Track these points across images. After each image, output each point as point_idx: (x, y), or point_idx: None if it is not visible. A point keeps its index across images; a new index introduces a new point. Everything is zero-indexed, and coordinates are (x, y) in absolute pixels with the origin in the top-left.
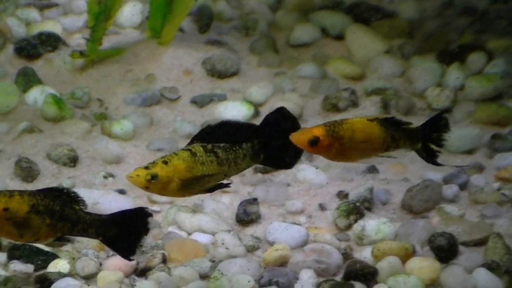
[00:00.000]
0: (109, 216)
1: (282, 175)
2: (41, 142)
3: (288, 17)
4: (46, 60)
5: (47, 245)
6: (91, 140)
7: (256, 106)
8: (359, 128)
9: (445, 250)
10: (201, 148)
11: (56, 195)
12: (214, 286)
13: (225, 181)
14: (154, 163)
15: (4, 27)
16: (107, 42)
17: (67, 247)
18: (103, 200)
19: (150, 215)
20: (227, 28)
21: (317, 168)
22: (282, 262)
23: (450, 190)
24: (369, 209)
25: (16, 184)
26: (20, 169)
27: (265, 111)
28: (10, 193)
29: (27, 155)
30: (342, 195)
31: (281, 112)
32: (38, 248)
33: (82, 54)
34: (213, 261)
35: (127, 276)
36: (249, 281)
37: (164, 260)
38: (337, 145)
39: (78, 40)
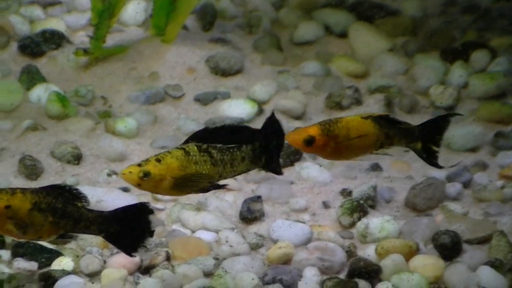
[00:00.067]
0: (111, 213)
1: (285, 173)
2: (45, 140)
3: (291, 15)
4: (49, 58)
5: (51, 242)
6: (95, 137)
7: (260, 104)
8: (353, 126)
9: (448, 248)
10: (195, 148)
11: (59, 192)
12: (218, 283)
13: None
14: (147, 160)
15: (8, 25)
16: (111, 40)
17: (71, 244)
18: (106, 197)
19: (151, 210)
20: (231, 26)
21: (320, 166)
22: (286, 260)
23: (453, 188)
24: (372, 207)
25: (20, 182)
26: (24, 167)
27: (269, 109)
28: (12, 191)
29: (31, 153)
30: (346, 193)
31: (272, 122)
32: (42, 246)
33: (86, 52)
34: (217, 259)
35: (131, 273)
36: (253, 279)
37: (168, 258)
38: (332, 144)
39: (81, 38)
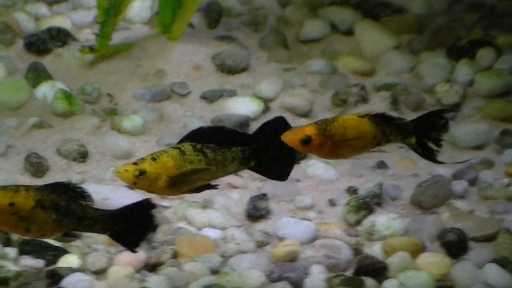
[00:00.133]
0: (116, 211)
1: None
2: (51, 138)
3: (297, 12)
4: (55, 55)
5: (57, 240)
6: (101, 135)
7: (266, 101)
8: (350, 125)
9: (455, 246)
10: (190, 147)
11: (63, 190)
12: (225, 281)
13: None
14: (142, 159)
15: (13, 22)
16: (117, 37)
17: (77, 242)
18: (112, 195)
19: (155, 206)
20: (237, 23)
21: (326, 163)
22: (292, 258)
23: (459, 186)
24: (378, 204)
25: (26, 180)
26: (30, 165)
27: (275, 106)
28: (16, 188)
29: (37, 150)
30: (352, 190)
31: (279, 122)
32: (48, 243)
33: (91, 49)
34: (223, 257)
35: (138, 271)
36: (259, 277)
37: (175, 256)
38: (329, 143)
39: (87, 35)
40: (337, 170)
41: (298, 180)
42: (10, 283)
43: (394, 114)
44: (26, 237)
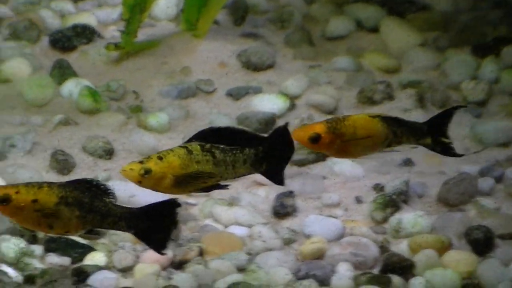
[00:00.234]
0: (140, 209)
1: (318, 168)
2: (77, 135)
3: (323, 9)
4: (81, 52)
5: (83, 238)
6: (127, 132)
7: (292, 99)
8: (361, 124)
9: (481, 243)
10: (198, 147)
11: (86, 187)
12: (251, 279)
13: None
14: (148, 157)
15: (38, 20)
16: (142, 34)
17: (104, 239)
18: (139, 193)
19: (180, 205)
20: (262, 20)
21: (353, 160)
22: (319, 255)
23: (486, 183)
24: (405, 202)
25: (52, 177)
26: (56, 162)
27: (300, 104)
28: (39, 185)
29: (63, 147)
30: (378, 188)
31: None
32: (74, 241)
33: (117, 46)
34: (249, 254)
35: (164, 268)
36: (286, 274)
37: (201, 253)
38: (339, 142)
39: (113, 33)
40: (363, 168)
41: (324, 177)
42: (36, 280)
43: (420, 111)
44: (51, 234)
